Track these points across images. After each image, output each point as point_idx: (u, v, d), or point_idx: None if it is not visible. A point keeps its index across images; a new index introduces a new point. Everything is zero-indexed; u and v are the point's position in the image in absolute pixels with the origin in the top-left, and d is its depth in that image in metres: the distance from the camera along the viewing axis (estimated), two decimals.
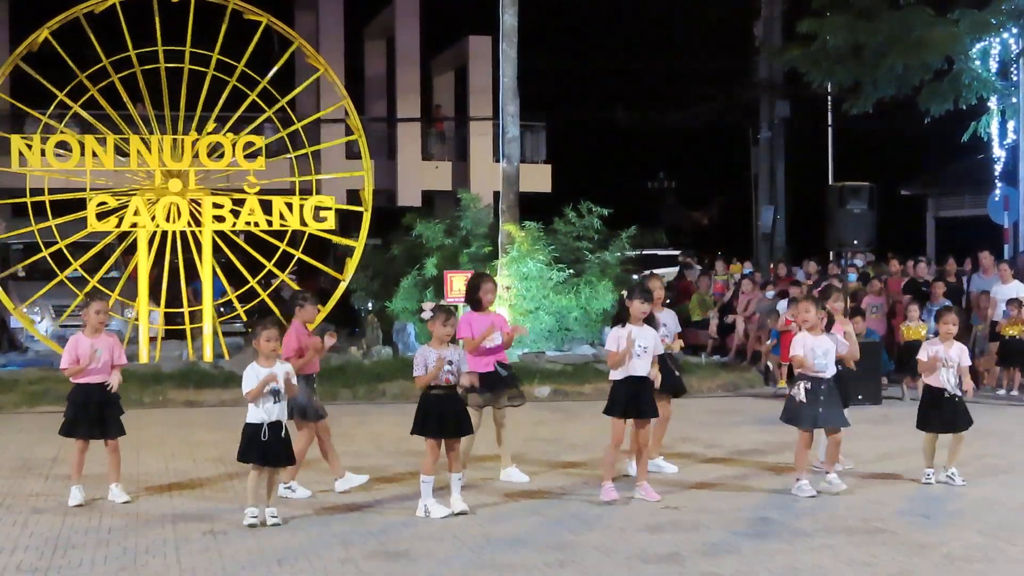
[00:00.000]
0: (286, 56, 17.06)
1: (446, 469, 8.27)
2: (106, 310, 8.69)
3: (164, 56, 16.29)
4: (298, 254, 16.84)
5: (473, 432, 8.62)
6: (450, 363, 8.14)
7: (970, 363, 9.49)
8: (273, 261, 16.83)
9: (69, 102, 16.41)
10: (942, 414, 9.30)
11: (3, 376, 14.81)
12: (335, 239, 17.23)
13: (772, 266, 21.32)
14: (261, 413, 7.85)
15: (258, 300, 16.73)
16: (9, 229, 19.44)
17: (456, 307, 9.89)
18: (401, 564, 6.99)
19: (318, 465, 9.19)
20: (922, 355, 9.46)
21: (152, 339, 16.70)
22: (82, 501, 8.47)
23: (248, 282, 16.85)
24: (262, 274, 16.96)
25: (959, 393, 9.25)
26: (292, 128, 17.83)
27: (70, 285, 15.95)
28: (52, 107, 16.68)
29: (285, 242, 16.90)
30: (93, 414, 8.59)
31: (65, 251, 16.25)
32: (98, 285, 16.13)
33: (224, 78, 16.61)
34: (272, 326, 8.10)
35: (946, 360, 9.26)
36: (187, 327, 16.30)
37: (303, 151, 17.56)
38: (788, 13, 25.47)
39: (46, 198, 16.33)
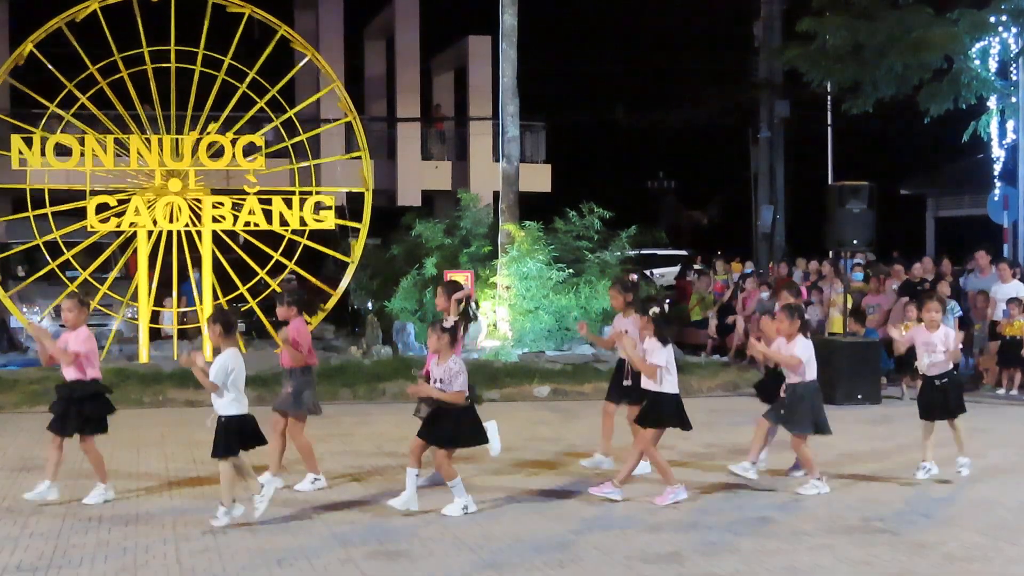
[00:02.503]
0: (272, 45, 16.98)
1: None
2: (71, 307, 8.59)
3: (156, 56, 16.27)
4: (304, 241, 16.82)
5: (445, 446, 8.24)
6: (440, 380, 8.15)
7: (959, 347, 9.69)
8: (280, 251, 16.80)
9: (61, 112, 16.41)
10: (931, 400, 9.51)
11: (3, 376, 14.80)
12: (338, 221, 17.23)
13: (772, 266, 21.32)
14: None
15: (268, 291, 16.73)
16: (10, 231, 19.43)
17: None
18: (401, 564, 6.99)
19: (319, 464, 9.20)
20: (903, 336, 9.93)
21: (167, 338, 16.73)
22: (39, 500, 8.42)
23: (247, 280, 16.82)
24: (270, 265, 16.91)
25: (931, 373, 9.46)
26: (286, 116, 17.75)
27: (76, 291, 15.94)
28: (45, 118, 16.61)
29: (289, 232, 16.86)
30: (65, 410, 8.56)
31: (68, 254, 16.26)
32: (99, 285, 16.19)
33: (213, 74, 16.58)
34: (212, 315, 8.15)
35: (927, 344, 9.47)
36: (202, 325, 16.32)
37: (299, 138, 17.52)
38: (788, 13, 25.45)
39: (47, 202, 16.34)
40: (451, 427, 8.20)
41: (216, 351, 7.96)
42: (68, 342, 8.54)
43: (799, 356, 9.01)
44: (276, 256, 16.82)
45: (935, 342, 9.44)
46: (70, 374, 8.56)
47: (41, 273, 16.74)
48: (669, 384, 8.68)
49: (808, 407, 9.06)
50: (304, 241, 16.79)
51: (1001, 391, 15.22)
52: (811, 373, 9.08)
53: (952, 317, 15.10)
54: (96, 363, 8.69)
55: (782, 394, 9.24)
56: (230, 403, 7.83)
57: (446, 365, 8.16)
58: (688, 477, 9.54)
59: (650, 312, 8.77)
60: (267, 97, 16.87)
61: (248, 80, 16.73)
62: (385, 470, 9.81)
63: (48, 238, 16.38)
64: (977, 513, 8.37)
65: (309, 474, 9.03)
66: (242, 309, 16.97)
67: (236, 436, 7.83)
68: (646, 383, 8.76)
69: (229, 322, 8.00)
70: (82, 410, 8.56)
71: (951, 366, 9.54)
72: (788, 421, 9.12)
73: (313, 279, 17.10)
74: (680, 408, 8.79)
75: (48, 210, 16.38)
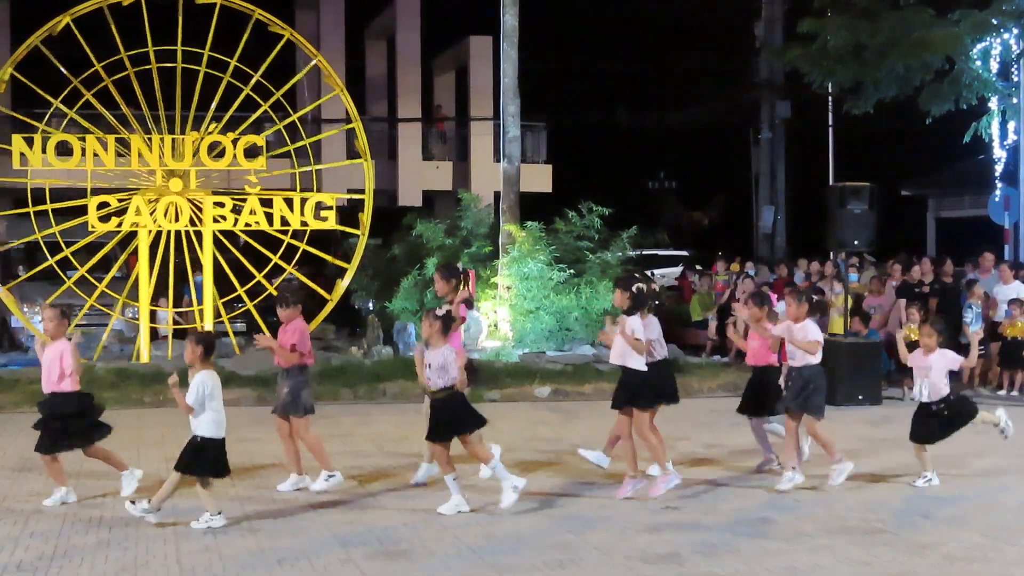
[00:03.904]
0: (278, 48, 16.95)
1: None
2: (52, 317, 8.57)
3: (161, 56, 16.27)
4: (303, 246, 16.83)
5: (436, 440, 8.35)
6: (429, 366, 8.21)
7: (955, 368, 9.46)
8: (279, 254, 16.80)
9: (65, 109, 16.40)
10: (927, 426, 9.36)
11: (3, 376, 14.80)
12: (338, 227, 17.23)
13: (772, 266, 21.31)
14: None
15: (264, 295, 16.72)
16: (10, 230, 19.43)
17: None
18: (401, 564, 6.99)
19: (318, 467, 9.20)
20: (909, 361, 9.68)
21: (163, 338, 16.73)
22: (57, 503, 8.48)
23: (247, 280, 16.81)
24: (268, 267, 16.91)
25: (926, 399, 9.31)
26: (289, 120, 17.75)
27: (76, 289, 15.98)
28: (48, 114, 16.61)
29: (289, 235, 16.88)
30: (39, 425, 8.61)
31: (67, 251, 16.27)
32: (99, 285, 16.19)
33: (219, 75, 16.58)
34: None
35: (922, 369, 9.33)
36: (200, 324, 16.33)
37: (302, 143, 17.52)
38: (789, 13, 25.49)
39: (48, 202, 16.35)
40: (452, 416, 8.25)
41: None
42: (53, 360, 8.50)
43: (817, 338, 9.11)
44: (275, 259, 16.80)
45: (930, 366, 9.30)
46: (48, 387, 8.55)
47: (37, 269, 16.74)
48: (636, 360, 8.71)
49: (818, 389, 9.13)
50: (303, 246, 16.79)
51: (1002, 392, 15.21)
52: (819, 356, 9.16)
53: (979, 321, 15.08)
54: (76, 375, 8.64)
55: (782, 384, 9.30)
56: (208, 424, 7.86)
57: (440, 351, 8.22)
58: (688, 477, 9.53)
59: (633, 288, 8.83)
60: (271, 100, 16.85)
61: (252, 83, 16.70)
62: (386, 470, 9.81)
63: (47, 232, 16.36)
64: (977, 514, 8.37)
65: (323, 472, 9.01)
66: (242, 309, 16.96)
67: (205, 459, 7.83)
68: (615, 358, 8.84)
69: (211, 345, 8.05)
70: (66, 426, 8.55)
71: (947, 391, 9.33)
72: (805, 407, 9.13)
73: (313, 285, 17.10)
74: (647, 384, 8.79)
75: (48, 207, 16.38)
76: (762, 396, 9.70)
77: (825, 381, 9.31)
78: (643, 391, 8.78)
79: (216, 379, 7.93)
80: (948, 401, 9.35)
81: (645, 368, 8.75)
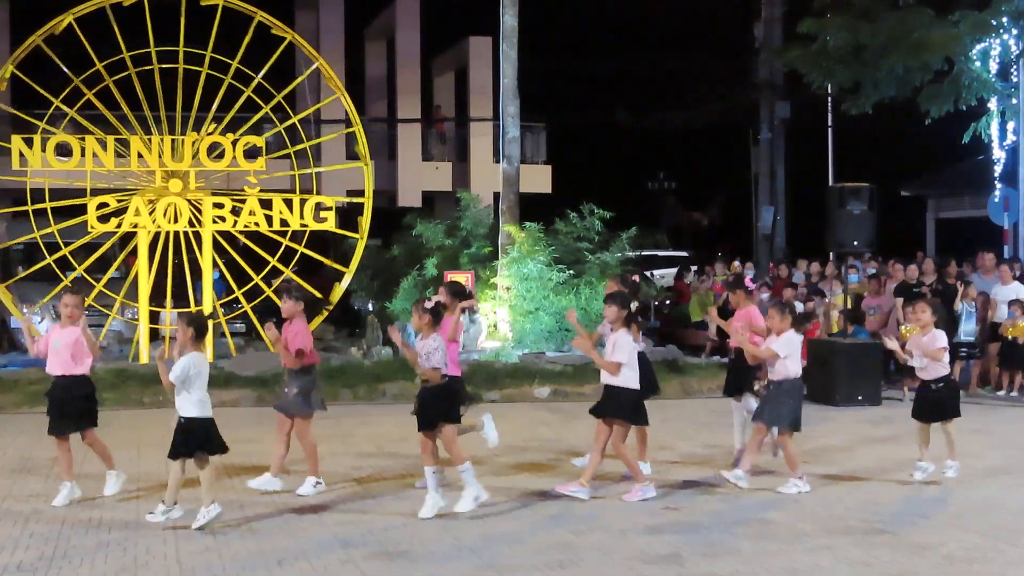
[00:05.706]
0: (279, 51, 16.92)
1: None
2: (75, 303, 8.61)
3: (161, 57, 16.27)
4: (301, 248, 16.83)
5: (427, 428, 8.28)
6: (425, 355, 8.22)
7: (943, 345, 9.38)
8: (276, 257, 16.80)
9: (65, 108, 16.39)
10: (925, 403, 9.45)
11: (3, 376, 14.80)
12: (337, 231, 17.24)
13: (772, 266, 21.32)
14: None
15: (262, 297, 16.72)
16: (10, 230, 19.42)
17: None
18: (401, 564, 7.00)
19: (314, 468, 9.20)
20: (908, 346, 9.67)
21: (169, 339, 16.75)
22: (66, 502, 8.49)
23: (246, 281, 16.82)
24: (266, 270, 16.92)
25: (925, 374, 9.36)
26: (289, 122, 17.75)
27: (68, 284, 15.98)
28: (48, 113, 16.60)
29: (287, 238, 16.88)
30: (54, 408, 8.63)
31: (68, 254, 16.27)
32: (99, 286, 16.18)
33: (220, 76, 16.57)
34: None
35: (919, 346, 9.38)
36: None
37: (301, 146, 17.52)
38: (788, 13, 25.48)
39: (48, 202, 16.35)
40: (446, 404, 8.27)
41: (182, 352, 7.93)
42: (68, 344, 8.53)
43: (776, 351, 9.09)
44: (273, 261, 16.80)
45: (924, 343, 9.36)
46: (56, 370, 8.58)
47: (37, 268, 16.74)
48: (628, 379, 8.73)
49: (790, 403, 9.12)
50: (302, 249, 16.78)
51: (1001, 392, 15.22)
52: (794, 370, 9.13)
53: (971, 320, 15.06)
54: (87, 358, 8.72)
55: (757, 389, 9.37)
56: (191, 404, 7.81)
57: (426, 342, 8.24)
58: (688, 477, 9.54)
59: (630, 306, 8.89)
60: (273, 103, 16.87)
61: (253, 85, 16.69)
62: (386, 471, 9.81)
63: (46, 231, 16.36)
64: (977, 514, 8.37)
65: (310, 478, 8.99)
66: (242, 310, 16.95)
67: (193, 437, 7.81)
68: (605, 377, 8.84)
69: (202, 328, 8.03)
70: (78, 407, 8.60)
71: (946, 371, 9.42)
72: (772, 417, 9.15)
73: (311, 288, 17.14)
74: (638, 404, 8.87)
75: (48, 204, 16.39)
76: (740, 376, 9.82)
77: (800, 397, 9.26)
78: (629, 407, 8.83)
79: (205, 362, 7.92)
80: (947, 380, 9.44)
81: (637, 386, 8.79)
